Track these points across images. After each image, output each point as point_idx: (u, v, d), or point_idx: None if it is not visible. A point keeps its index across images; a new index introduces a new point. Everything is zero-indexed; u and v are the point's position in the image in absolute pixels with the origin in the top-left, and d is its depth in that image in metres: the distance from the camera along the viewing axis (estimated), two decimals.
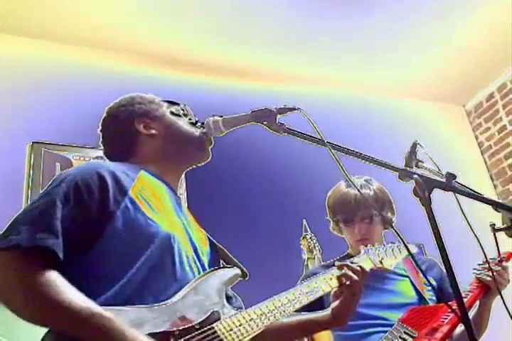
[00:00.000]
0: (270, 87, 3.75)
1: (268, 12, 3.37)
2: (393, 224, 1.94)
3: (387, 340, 1.67)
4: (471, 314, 1.77)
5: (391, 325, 1.71)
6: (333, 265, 1.88)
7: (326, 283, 1.32)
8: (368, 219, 1.87)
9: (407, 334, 1.66)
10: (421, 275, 1.88)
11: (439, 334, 1.62)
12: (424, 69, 4.02)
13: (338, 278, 1.33)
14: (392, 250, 1.57)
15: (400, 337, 1.66)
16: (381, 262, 1.49)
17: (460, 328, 1.69)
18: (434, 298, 1.82)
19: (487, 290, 1.76)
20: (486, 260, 1.66)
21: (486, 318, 1.80)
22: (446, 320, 1.66)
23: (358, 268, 1.34)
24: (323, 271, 1.83)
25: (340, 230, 1.98)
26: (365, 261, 1.46)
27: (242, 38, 3.55)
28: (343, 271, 1.34)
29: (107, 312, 0.99)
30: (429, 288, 1.83)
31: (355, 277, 1.32)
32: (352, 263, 1.36)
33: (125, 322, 0.99)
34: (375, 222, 1.88)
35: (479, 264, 1.81)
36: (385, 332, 1.70)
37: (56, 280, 1.01)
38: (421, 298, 1.81)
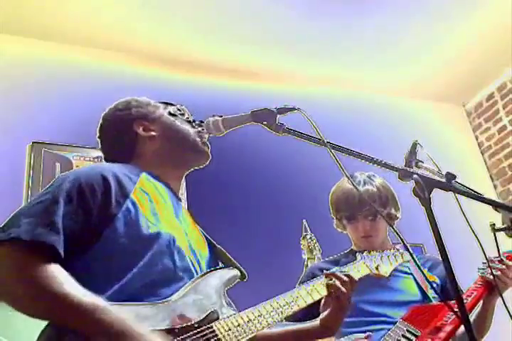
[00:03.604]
0: (270, 87, 3.75)
1: (268, 12, 3.36)
2: (396, 221, 1.95)
3: (390, 338, 1.65)
4: (475, 312, 1.76)
5: (394, 323, 1.70)
6: (338, 263, 1.88)
7: (316, 291, 1.31)
8: (371, 216, 1.86)
9: (410, 332, 1.65)
10: (425, 272, 1.87)
11: (442, 334, 1.60)
12: (424, 69, 4.02)
13: (327, 287, 1.32)
14: (388, 257, 1.58)
15: (403, 336, 1.65)
16: (377, 268, 1.50)
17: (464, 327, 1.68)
18: (437, 296, 1.81)
19: (491, 288, 1.73)
20: (487, 259, 1.65)
21: (490, 317, 1.78)
22: (450, 319, 1.63)
23: (347, 278, 1.33)
24: (329, 267, 1.84)
25: (343, 227, 1.97)
26: (361, 266, 1.47)
27: (242, 38, 3.54)
28: (331, 281, 1.32)
29: (110, 306, 0.99)
30: (433, 285, 1.82)
31: (342, 289, 1.31)
32: (341, 272, 1.35)
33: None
34: (378, 218, 1.87)
35: (484, 262, 1.78)
36: (388, 329, 1.69)
37: (57, 273, 1.01)
38: (424, 295, 1.81)
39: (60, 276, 1.01)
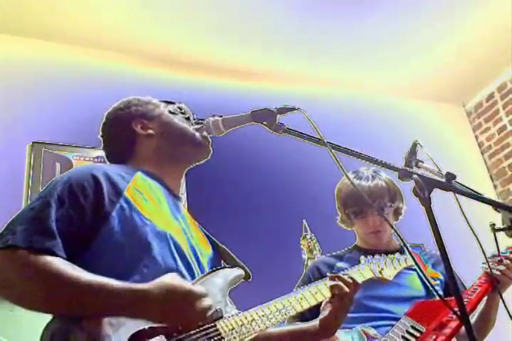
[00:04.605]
0: (270, 87, 3.75)
1: (268, 12, 3.36)
2: (400, 217, 1.96)
3: (394, 334, 1.64)
4: (479, 309, 1.76)
5: (398, 319, 1.69)
6: (342, 258, 1.87)
7: (320, 293, 1.32)
8: (380, 210, 1.86)
9: (414, 328, 1.64)
10: (428, 268, 1.87)
11: (447, 330, 1.58)
12: (424, 69, 4.02)
13: (330, 288, 1.33)
14: (392, 261, 1.58)
15: (407, 332, 1.64)
16: (381, 272, 1.51)
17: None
18: (441, 292, 1.81)
19: (495, 284, 1.72)
20: (485, 256, 1.65)
21: (494, 314, 1.78)
22: (456, 316, 1.63)
23: (350, 280, 1.34)
24: (333, 262, 1.82)
25: (351, 223, 1.96)
26: (365, 270, 1.47)
27: (243, 38, 3.54)
28: (335, 282, 1.33)
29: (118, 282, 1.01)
30: (437, 282, 1.82)
31: (346, 289, 1.32)
32: (344, 274, 1.36)
33: None
34: (387, 213, 1.88)
35: (488, 258, 1.76)
36: (392, 325, 1.68)
37: (60, 264, 1.01)
38: (428, 291, 1.80)
39: (62, 266, 1.01)
